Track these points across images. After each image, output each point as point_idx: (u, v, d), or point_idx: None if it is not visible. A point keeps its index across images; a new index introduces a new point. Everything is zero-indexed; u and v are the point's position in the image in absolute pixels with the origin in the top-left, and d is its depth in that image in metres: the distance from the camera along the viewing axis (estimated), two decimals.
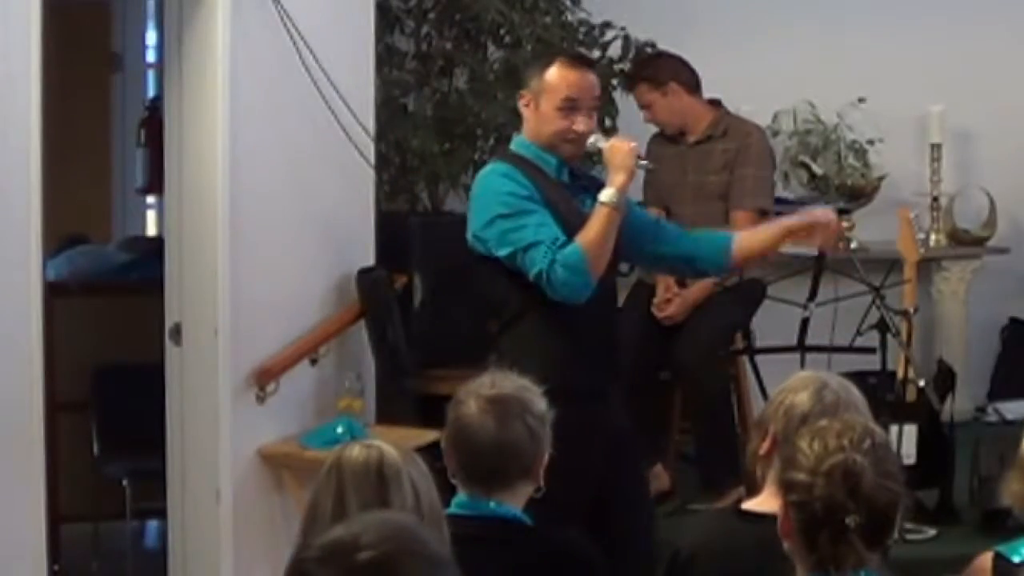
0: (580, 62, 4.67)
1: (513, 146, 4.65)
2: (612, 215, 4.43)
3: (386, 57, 6.89)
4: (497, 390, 3.35)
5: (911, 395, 5.82)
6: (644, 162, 4.62)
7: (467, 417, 3.33)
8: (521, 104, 4.63)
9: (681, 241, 4.79)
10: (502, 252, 4.46)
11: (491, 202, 4.49)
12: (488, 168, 4.62)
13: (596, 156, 4.80)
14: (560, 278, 4.38)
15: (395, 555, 1.93)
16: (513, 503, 3.36)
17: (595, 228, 4.42)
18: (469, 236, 4.56)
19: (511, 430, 3.30)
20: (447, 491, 3.34)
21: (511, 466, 3.32)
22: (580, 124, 4.55)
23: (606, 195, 4.44)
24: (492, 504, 3.33)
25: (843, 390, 3.39)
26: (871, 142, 7.65)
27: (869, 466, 2.70)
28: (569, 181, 4.63)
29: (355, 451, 2.77)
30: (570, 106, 4.54)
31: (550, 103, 4.54)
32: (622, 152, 4.48)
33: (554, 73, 4.55)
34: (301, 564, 1.95)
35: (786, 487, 2.77)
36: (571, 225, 4.48)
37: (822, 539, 2.69)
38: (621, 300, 6.33)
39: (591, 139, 4.60)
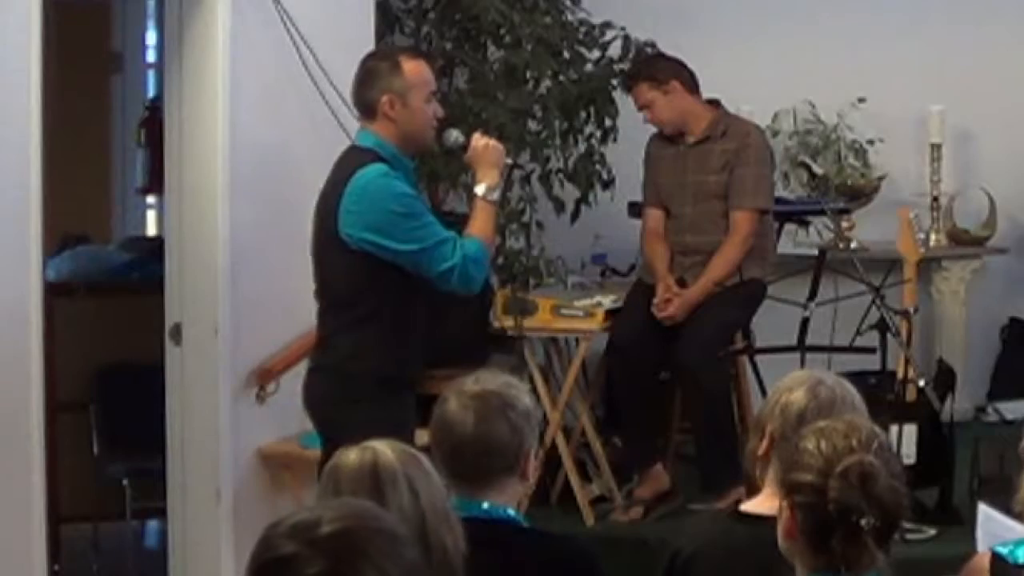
0: (419, 53, 4.90)
1: (371, 146, 4.69)
2: (494, 210, 4.70)
3: None
4: (480, 387, 3.34)
5: (911, 395, 5.82)
6: (509, 161, 4.86)
7: (448, 414, 3.33)
8: (384, 108, 4.67)
9: None
10: (404, 247, 4.56)
11: (386, 201, 4.58)
12: (372, 169, 4.62)
13: (457, 151, 4.93)
14: (470, 272, 4.60)
15: (354, 528, 2.11)
16: (503, 501, 3.34)
17: (485, 222, 4.66)
18: (351, 232, 4.58)
19: (491, 426, 3.29)
20: None
21: (493, 462, 3.31)
22: (439, 108, 4.78)
23: (483, 190, 4.67)
24: (485, 505, 3.31)
25: (838, 387, 3.37)
26: (871, 142, 7.65)
27: (881, 467, 2.69)
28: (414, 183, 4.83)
29: (351, 455, 2.78)
30: (432, 95, 4.74)
31: (418, 97, 4.69)
32: (497, 150, 4.72)
33: (412, 68, 4.70)
34: (268, 540, 2.11)
35: (791, 488, 2.73)
36: None
37: (835, 541, 2.66)
38: (622, 300, 6.37)
39: (453, 135, 4.85)
